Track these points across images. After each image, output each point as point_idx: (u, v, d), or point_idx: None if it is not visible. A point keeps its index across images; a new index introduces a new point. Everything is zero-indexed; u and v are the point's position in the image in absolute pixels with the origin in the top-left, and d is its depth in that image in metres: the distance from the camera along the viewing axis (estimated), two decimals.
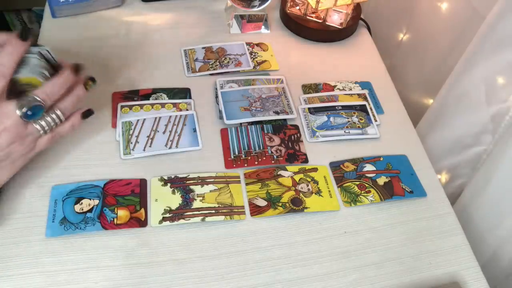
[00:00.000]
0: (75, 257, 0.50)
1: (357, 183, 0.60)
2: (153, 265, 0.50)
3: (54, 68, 0.51)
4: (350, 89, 0.72)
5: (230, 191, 0.57)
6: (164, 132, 0.61)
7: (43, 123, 0.48)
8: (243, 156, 0.61)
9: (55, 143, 0.52)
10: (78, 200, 0.53)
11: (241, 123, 0.64)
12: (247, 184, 0.58)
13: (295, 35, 0.80)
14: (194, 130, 0.63)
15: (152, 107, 0.64)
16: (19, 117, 0.45)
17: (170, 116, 0.63)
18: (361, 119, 0.67)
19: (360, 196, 0.59)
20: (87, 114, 0.54)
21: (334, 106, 0.68)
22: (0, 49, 0.45)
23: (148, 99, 0.65)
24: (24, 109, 0.45)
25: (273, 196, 0.57)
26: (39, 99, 0.46)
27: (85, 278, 0.48)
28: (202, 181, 0.57)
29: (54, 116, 0.49)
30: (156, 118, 0.63)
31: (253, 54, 0.75)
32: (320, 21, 0.78)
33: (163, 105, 0.65)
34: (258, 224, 0.55)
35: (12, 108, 0.45)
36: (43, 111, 0.47)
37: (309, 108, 0.67)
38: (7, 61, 0.44)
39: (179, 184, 0.57)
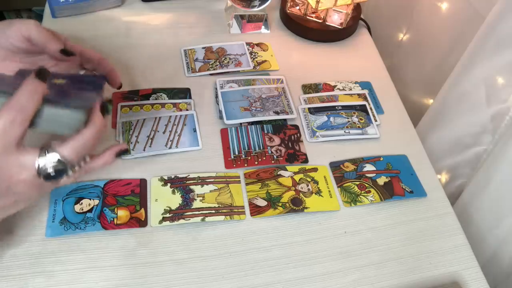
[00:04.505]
0: (75, 257, 0.50)
1: (357, 183, 0.60)
2: (153, 265, 0.50)
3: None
4: (350, 89, 0.72)
5: (230, 191, 0.57)
6: (164, 132, 0.61)
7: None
8: (243, 156, 0.61)
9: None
10: (78, 200, 0.53)
11: (241, 123, 0.64)
12: (247, 184, 0.58)
13: (295, 35, 0.79)
14: (194, 130, 0.62)
15: (152, 107, 0.64)
16: (37, 173, 0.38)
17: (170, 116, 0.63)
18: (361, 119, 0.67)
19: (360, 196, 0.59)
20: (121, 153, 0.46)
21: (334, 106, 0.68)
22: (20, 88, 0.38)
23: (148, 99, 0.65)
24: (46, 173, 0.38)
25: (273, 196, 0.57)
26: (65, 159, 0.39)
27: (85, 278, 0.48)
28: (202, 181, 0.57)
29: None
30: (156, 118, 0.63)
31: (253, 54, 0.75)
32: (320, 21, 0.78)
33: (163, 105, 0.65)
34: (258, 224, 0.55)
35: (31, 162, 0.38)
36: (68, 171, 0.40)
37: (309, 108, 0.67)
38: (27, 104, 0.37)
39: (179, 184, 0.57)
